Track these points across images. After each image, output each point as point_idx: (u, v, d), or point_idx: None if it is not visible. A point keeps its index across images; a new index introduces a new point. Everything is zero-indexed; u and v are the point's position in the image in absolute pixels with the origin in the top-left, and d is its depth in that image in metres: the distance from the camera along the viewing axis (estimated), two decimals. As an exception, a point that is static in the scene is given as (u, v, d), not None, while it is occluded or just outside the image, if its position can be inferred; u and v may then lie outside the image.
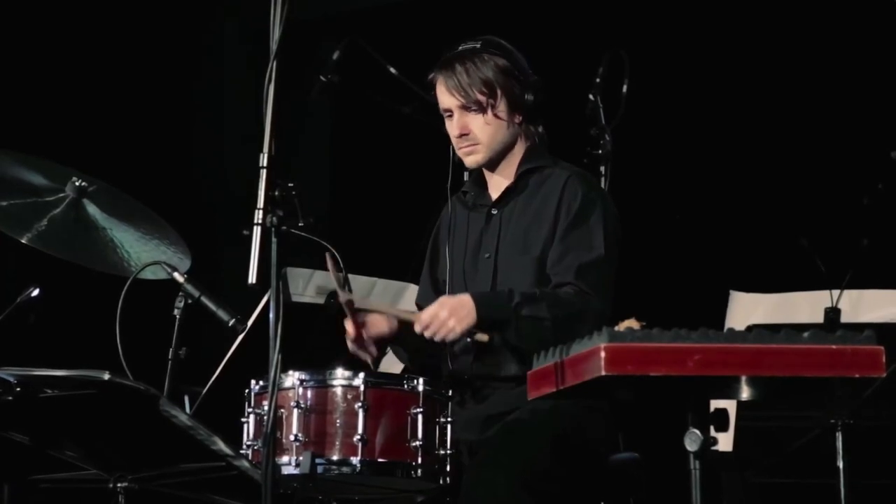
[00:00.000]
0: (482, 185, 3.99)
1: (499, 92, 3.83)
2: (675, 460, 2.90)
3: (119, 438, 3.31)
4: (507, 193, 3.92)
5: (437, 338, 3.61)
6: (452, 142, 3.90)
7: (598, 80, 4.30)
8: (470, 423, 3.71)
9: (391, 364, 4.21)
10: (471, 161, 3.90)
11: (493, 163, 3.92)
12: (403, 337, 3.85)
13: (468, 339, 3.69)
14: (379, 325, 3.83)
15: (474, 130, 3.85)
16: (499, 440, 3.62)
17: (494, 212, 3.92)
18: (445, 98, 3.86)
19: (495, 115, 3.85)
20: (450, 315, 3.61)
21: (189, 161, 6.06)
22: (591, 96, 4.30)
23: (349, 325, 3.77)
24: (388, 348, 3.99)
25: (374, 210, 5.94)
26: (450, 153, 3.94)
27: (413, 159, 4.09)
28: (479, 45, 3.85)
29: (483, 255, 3.90)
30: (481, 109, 3.84)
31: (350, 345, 3.80)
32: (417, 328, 3.63)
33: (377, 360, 3.88)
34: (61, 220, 3.77)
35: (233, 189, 5.89)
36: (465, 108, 3.84)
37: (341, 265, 3.60)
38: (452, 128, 3.88)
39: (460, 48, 3.86)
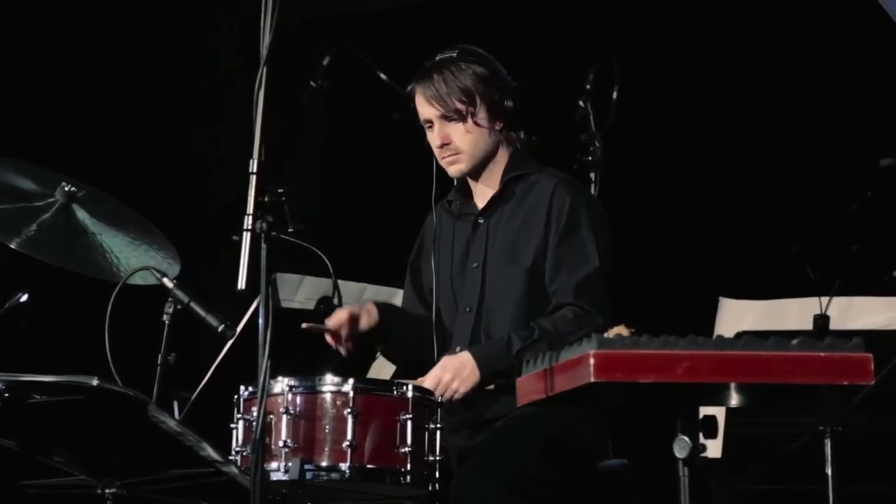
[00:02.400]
0: (466, 194, 3.98)
1: (478, 99, 3.82)
2: (664, 467, 2.90)
3: (107, 444, 3.30)
4: (494, 202, 3.91)
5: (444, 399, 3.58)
6: (434, 153, 3.90)
7: (588, 86, 4.31)
8: (459, 429, 3.71)
9: (383, 367, 4.21)
10: (454, 171, 3.90)
11: (476, 171, 3.91)
12: (385, 332, 3.85)
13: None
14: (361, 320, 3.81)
15: (455, 140, 3.84)
16: (488, 446, 3.62)
17: (481, 221, 3.91)
18: (425, 109, 3.85)
19: (476, 123, 3.83)
20: (453, 378, 3.63)
21: (185, 164, 6.03)
22: (581, 103, 4.31)
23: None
24: (378, 352, 3.99)
25: (366, 215, 5.93)
26: (433, 163, 3.93)
27: (407, 165, 4.08)
28: (455, 54, 3.84)
29: (471, 265, 3.89)
30: (461, 118, 3.83)
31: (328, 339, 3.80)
32: None
33: (367, 363, 3.88)
34: (51, 226, 3.76)
35: (230, 192, 5.84)
36: (444, 117, 3.83)
37: (331, 270, 3.59)
38: (434, 138, 3.87)
39: (437, 58, 3.86)
